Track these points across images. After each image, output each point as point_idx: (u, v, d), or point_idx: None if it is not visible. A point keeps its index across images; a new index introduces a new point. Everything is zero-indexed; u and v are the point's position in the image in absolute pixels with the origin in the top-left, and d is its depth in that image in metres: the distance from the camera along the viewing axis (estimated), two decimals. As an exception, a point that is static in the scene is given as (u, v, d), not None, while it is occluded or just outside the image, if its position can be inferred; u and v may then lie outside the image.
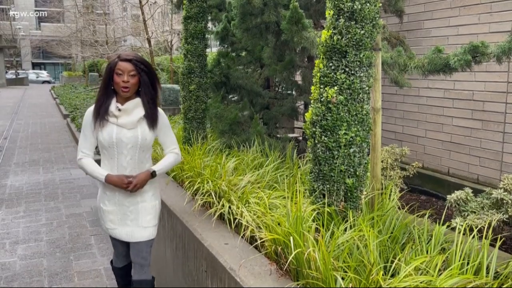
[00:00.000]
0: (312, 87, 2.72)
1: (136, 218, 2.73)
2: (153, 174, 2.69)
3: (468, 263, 2.21)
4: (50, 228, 5.21)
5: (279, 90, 6.42)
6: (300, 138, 5.88)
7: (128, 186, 2.59)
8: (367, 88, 2.62)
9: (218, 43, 6.61)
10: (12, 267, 4.20)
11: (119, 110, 2.57)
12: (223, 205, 3.11)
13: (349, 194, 2.68)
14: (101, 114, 2.58)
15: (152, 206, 2.79)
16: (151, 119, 2.65)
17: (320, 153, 2.66)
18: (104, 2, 25.58)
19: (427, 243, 2.43)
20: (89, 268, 4.17)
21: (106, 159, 2.66)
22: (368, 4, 2.51)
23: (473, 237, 2.35)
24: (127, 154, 2.62)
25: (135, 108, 2.61)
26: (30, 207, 6.00)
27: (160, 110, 2.74)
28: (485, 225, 2.98)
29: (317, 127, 2.67)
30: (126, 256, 2.96)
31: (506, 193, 3.26)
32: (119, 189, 2.65)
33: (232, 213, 2.99)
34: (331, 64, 2.59)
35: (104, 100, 2.59)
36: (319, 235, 2.36)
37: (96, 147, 2.72)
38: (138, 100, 2.61)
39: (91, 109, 2.64)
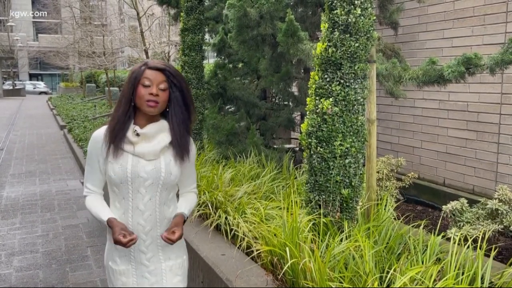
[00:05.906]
0: (308, 99, 2.75)
1: (159, 282, 2.04)
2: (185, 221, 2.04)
3: (463, 273, 2.22)
4: (46, 240, 5.18)
5: (276, 101, 6.47)
6: (297, 148, 5.91)
7: (128, 243, 1.83)
8: (361, 100, 2.65)
9: (215, 54, 6.68)
10: (7, 279, 4.17)
11: (137, 134, 1.93)
12: (219, 216, 3.13)
13: (344, 204, 2.69)
14: (118, 139, 1.93)
15: (180, 265, 2.12)
16: (180, 148, 1.99)
17: (316, 163, 2.69)
18: (102, 14, 25.72)
19: (423, 253, 2.44)
20: (85, 280, 4.14)
21: (117, 199, 2.00)
22: (362, 18, 2.56)
23: (468, 247, 2.37)
24: (145, 193, 1.96)
25: (159, 133, 1.96)
26: (26, 219, 5.97)
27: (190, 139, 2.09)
28: (480, 235, 3.00)
29: (312, 138, 2.69)
30: None
31: (501, 203, 3.29)
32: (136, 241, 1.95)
33: (229, 223, 3.00)
34: (326, 76, 2.63)
35: (124, 119, 1.93)
36: (315, 246, 2.37)
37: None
38: (163, 123, 1.97)
39: (99, 132, 1.98)
